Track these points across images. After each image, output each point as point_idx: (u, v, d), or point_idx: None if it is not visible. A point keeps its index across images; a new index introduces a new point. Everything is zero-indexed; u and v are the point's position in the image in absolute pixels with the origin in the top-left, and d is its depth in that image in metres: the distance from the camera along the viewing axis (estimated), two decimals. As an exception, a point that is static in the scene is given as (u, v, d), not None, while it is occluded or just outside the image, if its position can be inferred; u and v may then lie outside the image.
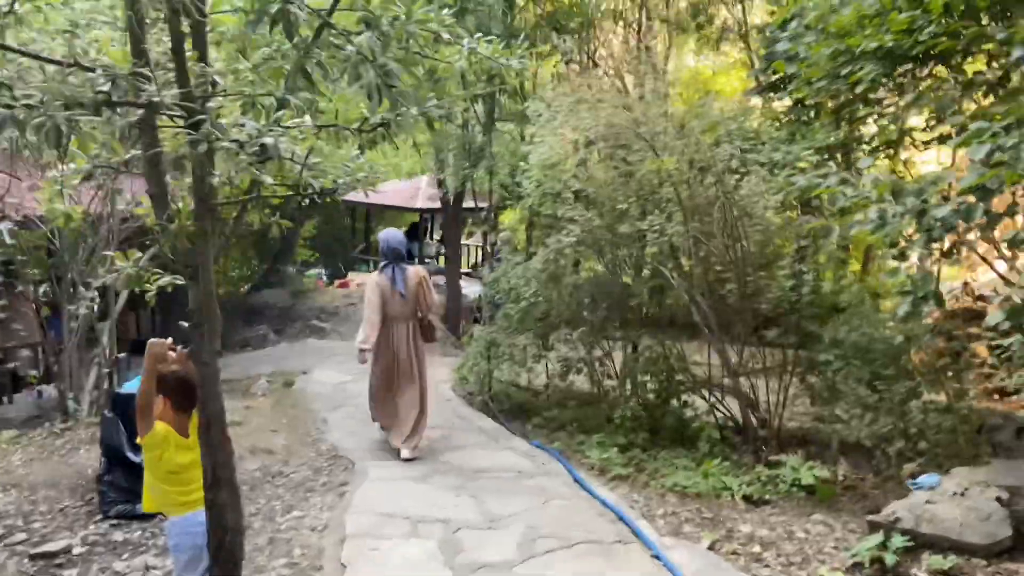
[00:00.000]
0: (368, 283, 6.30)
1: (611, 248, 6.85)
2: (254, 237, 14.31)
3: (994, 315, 3.72)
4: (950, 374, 6.26)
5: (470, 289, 18.28)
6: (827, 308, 7.17)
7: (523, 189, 6.64)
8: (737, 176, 6.11)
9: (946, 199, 4.36)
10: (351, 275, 17.65)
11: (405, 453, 6.11)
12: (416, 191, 19.43)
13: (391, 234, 6.46)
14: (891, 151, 7.17)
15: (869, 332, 6.01)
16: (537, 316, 7.61)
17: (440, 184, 11.71)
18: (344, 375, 9.26)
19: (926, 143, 7.42)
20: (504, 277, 7.75)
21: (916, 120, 7.33)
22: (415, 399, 6.23)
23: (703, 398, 6.90)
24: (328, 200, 12.47)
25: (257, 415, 7.44)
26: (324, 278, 18.05)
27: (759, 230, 6.27)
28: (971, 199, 4.20)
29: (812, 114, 7.57)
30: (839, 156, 7.00)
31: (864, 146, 7.02)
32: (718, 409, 6.76)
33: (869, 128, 7.65)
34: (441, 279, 17.98)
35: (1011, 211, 4.27)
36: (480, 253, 20.69)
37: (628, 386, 7.44)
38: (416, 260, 19.31)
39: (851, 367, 6.16)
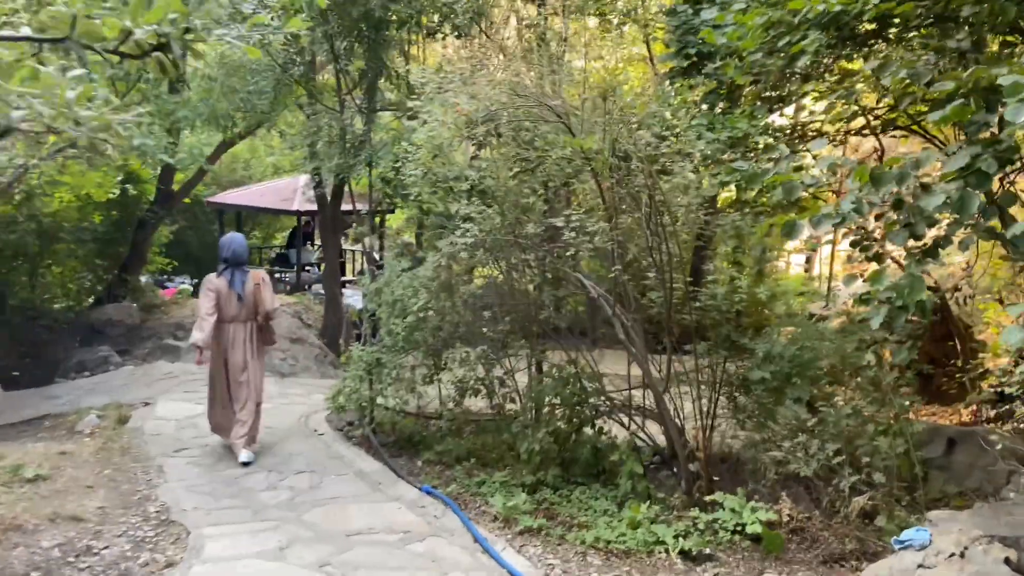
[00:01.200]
0: (204, 285, 6.23)
1: (514, 251, 5.79)
2: (98, 243, 12.38)
3: (1013, 331, 2.90)
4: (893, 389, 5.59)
5: (354, 299, 16.89)
6: (755, 318, 6.42)
7: (407, 177, 5.46)
8: (658, 166, 5.20)
9: (925, 187, 3.58)
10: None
11: (243, 456, 6.04)
12: (294, 192, 17.80)
13: (232, 238, 6.51)
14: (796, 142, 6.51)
15: (812, 345, 5.24)
16: (427, 332, 6.46)
17: (316, 181, 10.31)
18: (195, 406, 7.71)
19: (849, 133, 6.81)
20: (387, 287, 6.53)
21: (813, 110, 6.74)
22: (251, 399, 6.22)
23: (622, 424, 5.96)
24: (187, 201, 10.78)
25: (73, 465, 5.86)
26: (187, 286, 16.19)
27: (685, 229, 5.40)
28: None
29: (727, 103, 6.84)
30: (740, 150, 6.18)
31: (762, 137, 6.23)
32: (639, 437, 5.83)
33: (778, 119, 7.00)
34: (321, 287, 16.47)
35: (1009, 200, 3.52)
36: (365, 260, 19.23)
37: (534, 412, 6.41)
38: (295, 268, 17.65)
39: (790, 385, 5.38)
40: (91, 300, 12.78)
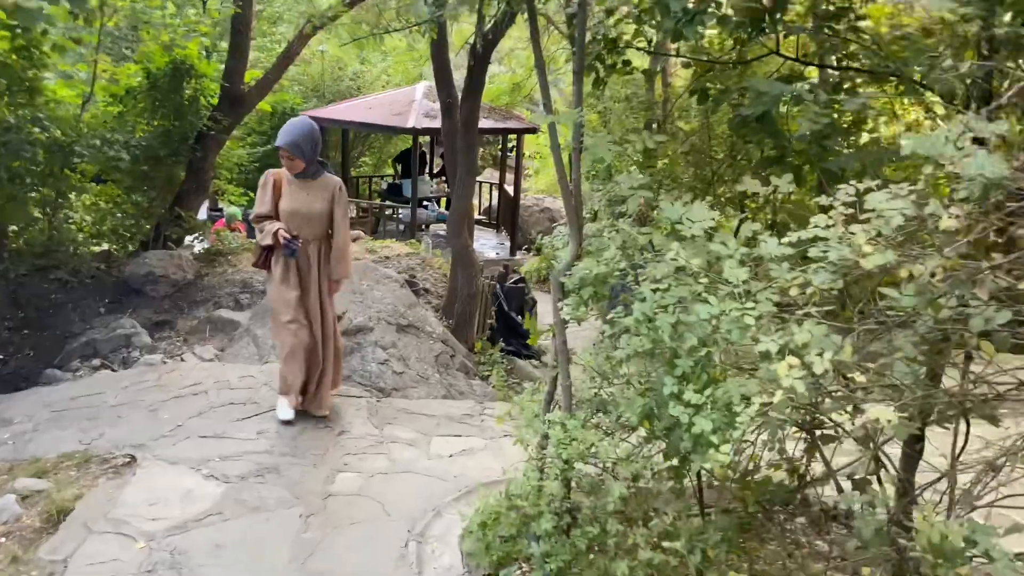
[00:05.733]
0: None
1: None
2: (140, 163, 8.79)
3: None
4: None
5: (486, 245, 12.95)
6: None
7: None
8: None
9: None
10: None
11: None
12: (409, 105, 13.87)
13: None
14: None
15: None
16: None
17: (434, 39, 6.09)
18: (204, 481, 3.91)
19: None
20: (647, 284, 2.34)
21: None
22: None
23: None
24: (267, 108, 6.46)
25: None
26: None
27: None
28: None
29: None
30: None
31: None
32: None
33: None
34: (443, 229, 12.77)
35: None
36: (497, 195, 15.10)
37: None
38: (410, 203, 13.76)
39: None
40: (136, 245, 9.32)
